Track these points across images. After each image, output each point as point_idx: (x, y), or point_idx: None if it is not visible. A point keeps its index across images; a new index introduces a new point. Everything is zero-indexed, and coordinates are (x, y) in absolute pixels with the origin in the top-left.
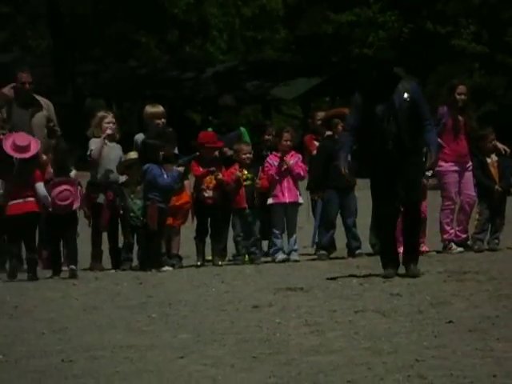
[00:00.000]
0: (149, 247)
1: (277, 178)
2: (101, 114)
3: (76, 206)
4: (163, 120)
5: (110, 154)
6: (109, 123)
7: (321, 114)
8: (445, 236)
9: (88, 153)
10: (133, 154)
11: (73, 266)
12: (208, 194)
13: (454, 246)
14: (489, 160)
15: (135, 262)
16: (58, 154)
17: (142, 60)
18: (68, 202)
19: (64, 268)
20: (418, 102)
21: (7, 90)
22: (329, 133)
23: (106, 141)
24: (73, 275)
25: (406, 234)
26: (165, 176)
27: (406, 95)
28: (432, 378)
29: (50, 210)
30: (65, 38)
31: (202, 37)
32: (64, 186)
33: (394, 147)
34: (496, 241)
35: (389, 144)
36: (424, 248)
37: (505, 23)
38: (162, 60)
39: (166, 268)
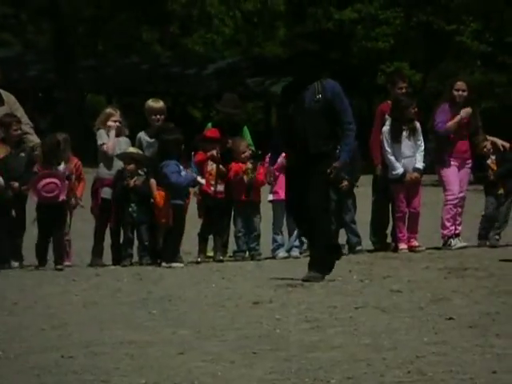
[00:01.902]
0: (165, 242)
1: (277, 173)
2: (108, 110)
3: (62, 198)
4: (159, 116)
5: (118, 149)
6: (115, 121)
7: None
8: (444, 232)
9: (100, 143)
10: (132, 149)
11: (59, 267)
12: (219, 188)
13: (453, 242)
14: (489, 161)
15: (135, 258)
16: (44, 148)
17: (144, 56)
18: (54, 194)
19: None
20: (334, 103)
21: None
22: None
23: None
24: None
25: (313, 240)
26: (182, 173)
27: (317, 96)
28: (432, 374)
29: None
30: (66, 34)
31: (205, 29)
32: (49, 179)
33: (301, 150)
34: (497, 237)
35: (296, 146)
36: (414, 243)
37: (507, 23)
38: (164, 56)
39: (176, 264)
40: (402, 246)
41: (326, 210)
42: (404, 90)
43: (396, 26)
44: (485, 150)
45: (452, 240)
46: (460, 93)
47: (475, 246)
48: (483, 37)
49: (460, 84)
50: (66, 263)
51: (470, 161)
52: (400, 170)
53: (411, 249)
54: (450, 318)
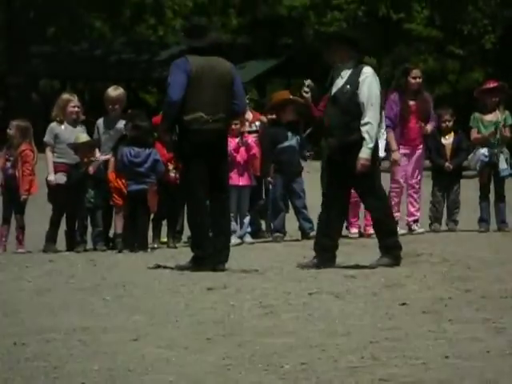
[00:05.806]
0: (136, 229)
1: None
2: (65, 96)
3: None
4: (112, 106)
5: (72, 138)
6: (74, 107)
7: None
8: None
9: (45, 140)
10: (82, 137)
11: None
12: (175, 173)
13: (413, 227)
14: (445, 141)
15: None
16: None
17: (96, 43)
18: None
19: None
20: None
21: None
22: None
23: (67, 125)
24: None
25: None
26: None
27: None
28: (385, 360)
29: None
30: (17, 19)
31: (156, 19)
32: None
33: None
34: (453, 223)
35: None
36: (370, 231)
37: (457, 10)
38: (117, 42)
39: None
40: (353, 230)
41: None
42: None
43: (349, 11)
44: (446, 123)
45: (414, 225)
46: (416, 80)
47: (429, 231)
48: (435, 23)
49: (416, 72)
50: (20, 250)
51: (420, 146)
52: None
53: (369, 236)
54: (404, 304)
